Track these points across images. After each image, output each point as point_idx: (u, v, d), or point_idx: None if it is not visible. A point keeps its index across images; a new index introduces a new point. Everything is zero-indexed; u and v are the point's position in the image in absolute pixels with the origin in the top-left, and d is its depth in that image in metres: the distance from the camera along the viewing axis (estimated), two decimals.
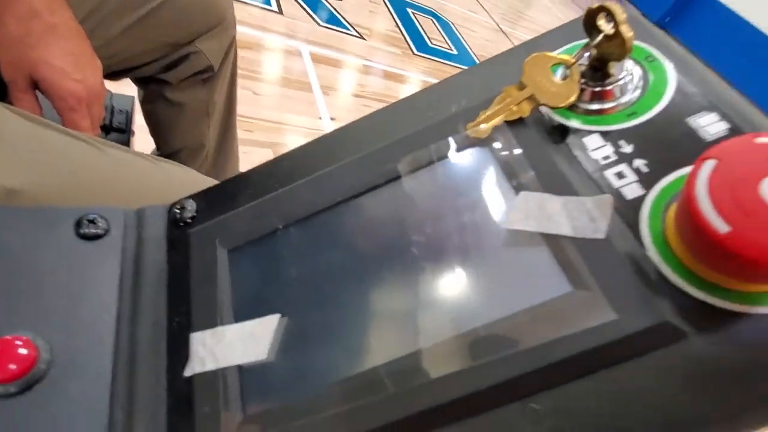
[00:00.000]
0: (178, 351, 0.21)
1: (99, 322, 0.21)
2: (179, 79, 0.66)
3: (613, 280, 0.17)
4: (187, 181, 0.50)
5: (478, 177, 0.21)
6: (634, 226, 0.18)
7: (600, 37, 0.19)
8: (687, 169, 0.18)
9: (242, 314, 0.21)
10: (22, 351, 0.19)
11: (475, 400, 0.16)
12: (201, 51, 0.63)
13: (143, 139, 0.82)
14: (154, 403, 0.20)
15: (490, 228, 0.19)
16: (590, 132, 0.21)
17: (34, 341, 0.19)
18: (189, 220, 0.25)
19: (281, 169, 0.26)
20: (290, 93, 1.66)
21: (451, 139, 0.22)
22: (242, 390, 0.19)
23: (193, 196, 0.26)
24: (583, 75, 0.21)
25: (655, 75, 0.21)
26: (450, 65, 2.30)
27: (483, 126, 0.21)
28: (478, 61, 2.51)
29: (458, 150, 0.22)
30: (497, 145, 0.21)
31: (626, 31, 0.18)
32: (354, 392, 0.17)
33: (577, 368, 0.16)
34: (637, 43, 0.22)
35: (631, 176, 0.19)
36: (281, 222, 0.22)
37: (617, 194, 0.19)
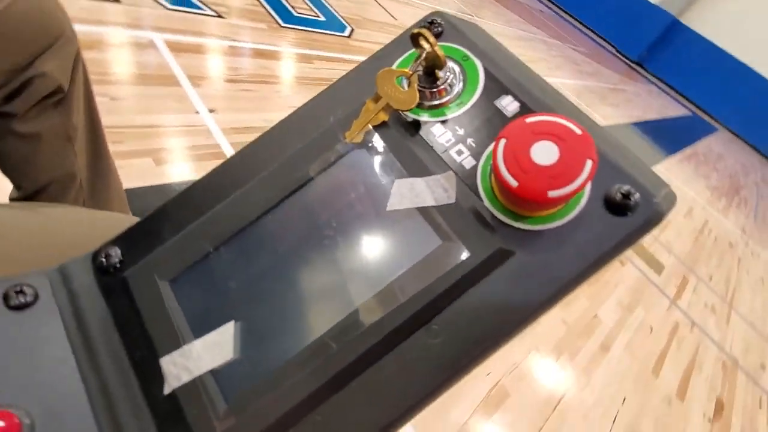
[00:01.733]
0: (149, 377, 0.24)
1: (63, 377, 0.23)
2: (26, 107, 0.59)
3: (464, 229, 0.24)
4: (73, 220, 0.47)
5: (363, 174, 0.27)
6: (474, 188, 0.26)
7: (424, 53, 0.25)
8: None
9: (199, 331, 0.25)
10: (1, 423, 0.20)
11: (397, 333, 0.23)
12: (45, 72, 0.57)
13: None
14: (142, 425, 0.23)
15: (380, 212, 0.26)
16: (435, 123, 0.28)
17: (9, 410, 0.21)
18: (118, 266, 0.27)
19: (193, 200, 0.29)
20: (154, 91, 1.51)
21: (336, 147, 0.27)
22: (220, 386, 0.23)
23: (114, 242, 0.28)
24: (420, 80, 0.28)
25: (469, 71, 0.29)
26: (320, 32, 2.26)
27: (356, 133, 0.27)
28: (347, 25, 2.50)
29: (342, 155, 0.27)
30: (370, 146, 0.27)
31: (438, 51, 0.25)
32: (307, 358, 0.23)
33: (453, 294, 0.24)
34: (454, 46, 0.29)
35: (466, 152, 0.27)
36: (211, 245, 0.26)
37: (460, 167, 0.26)
